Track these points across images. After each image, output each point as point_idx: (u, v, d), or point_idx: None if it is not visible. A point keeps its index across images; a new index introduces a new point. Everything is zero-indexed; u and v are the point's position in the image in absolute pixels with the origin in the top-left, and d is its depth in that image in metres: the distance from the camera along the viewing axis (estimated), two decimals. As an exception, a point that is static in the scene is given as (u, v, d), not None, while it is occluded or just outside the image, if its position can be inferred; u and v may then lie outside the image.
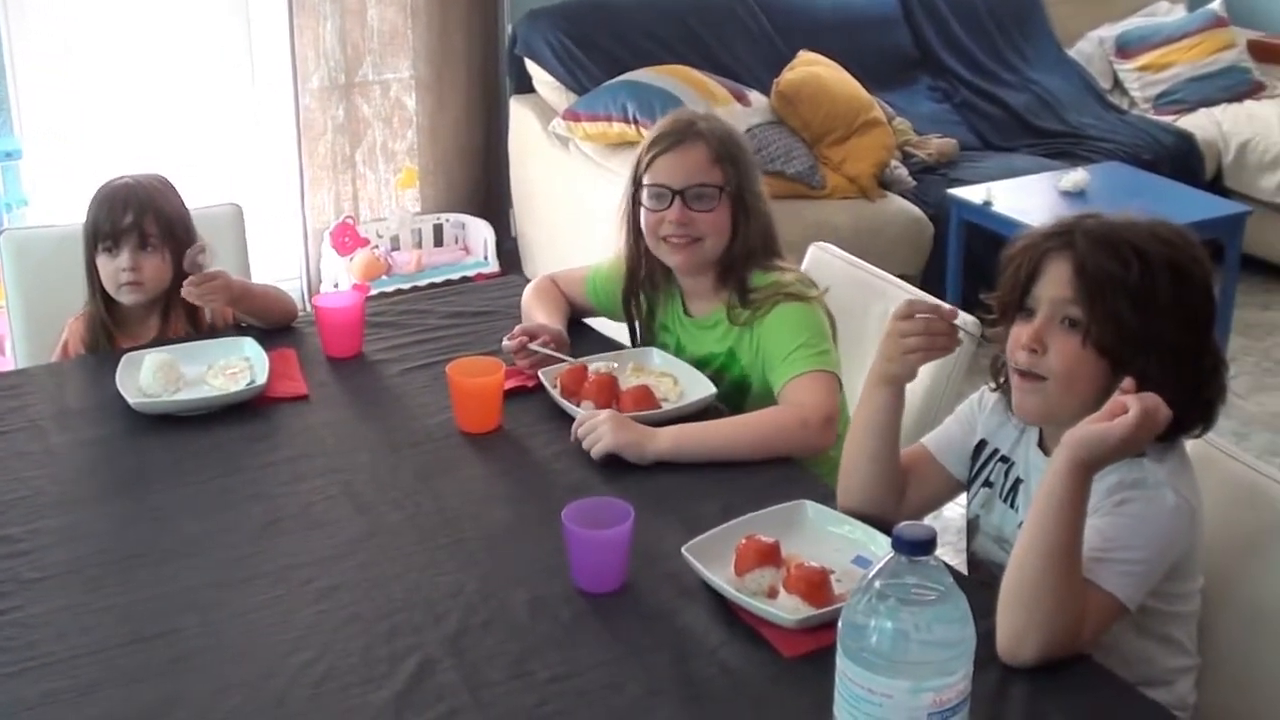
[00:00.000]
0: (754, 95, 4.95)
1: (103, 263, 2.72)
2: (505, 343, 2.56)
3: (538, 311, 2.71)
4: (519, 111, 5.29)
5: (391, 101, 5.25)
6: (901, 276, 2.87)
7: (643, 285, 2.67)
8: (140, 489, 2.23)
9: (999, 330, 1.96)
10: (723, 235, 2.52)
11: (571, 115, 4.92)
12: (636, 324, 2.72)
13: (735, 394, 2.56)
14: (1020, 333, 1.89)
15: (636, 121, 4.69)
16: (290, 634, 1.83)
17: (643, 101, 4.72)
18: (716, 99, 4.76)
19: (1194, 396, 1.85)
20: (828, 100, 4.98)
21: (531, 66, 5.20)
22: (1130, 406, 1.68)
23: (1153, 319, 1.81)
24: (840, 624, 1.41)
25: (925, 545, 1.35)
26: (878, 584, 1.36)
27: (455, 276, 5.19)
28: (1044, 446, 1.99)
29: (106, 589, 1.93)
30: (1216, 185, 5.47)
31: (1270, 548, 1.95)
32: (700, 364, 2.58)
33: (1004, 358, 1.96)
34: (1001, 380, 2.01)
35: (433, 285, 5.15)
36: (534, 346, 2.55)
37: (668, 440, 2.27)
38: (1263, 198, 5.35)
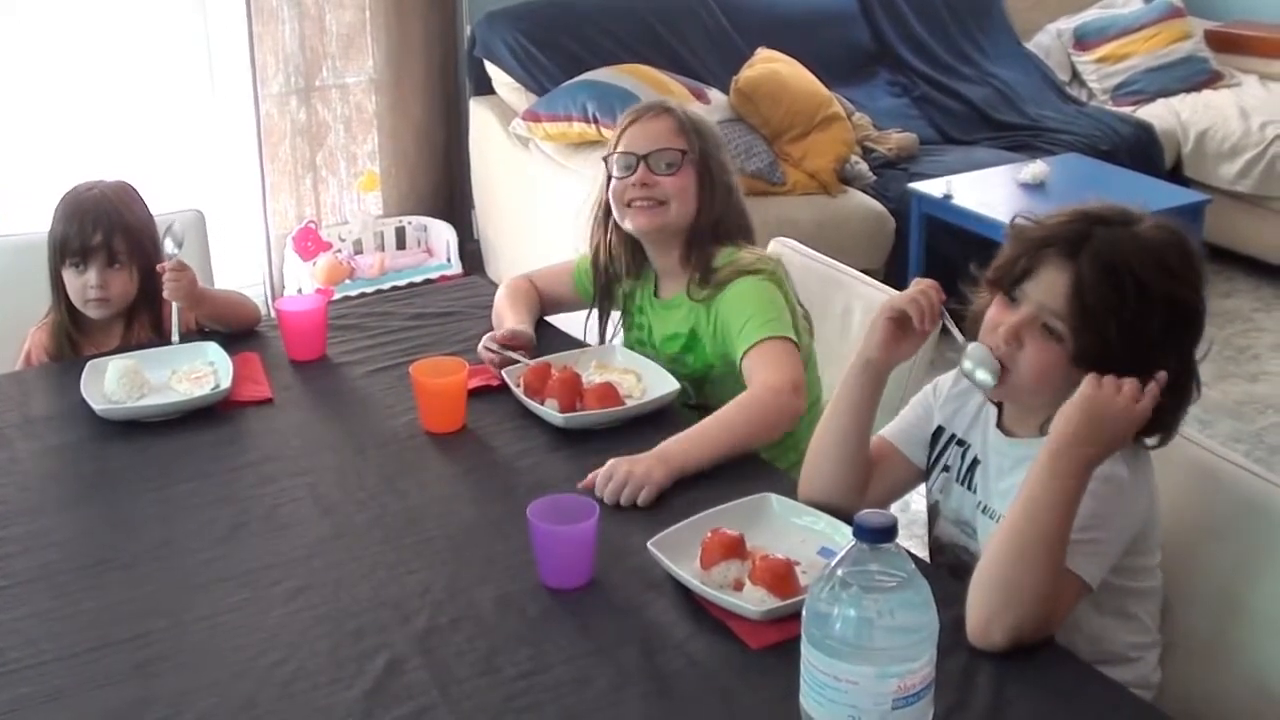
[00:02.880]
0: (713, 93, 4.97)
1: (69, 277, 2.70)
2: (484, 346, 2.56)
3: (509, 313, 2.71)
4: (479, 113, 5.30)
5: (351, 105, 5.24)
6: (864, 271, 2.89)
7: (615, 274, 2.70)
8: (106, 495, 2.24)
9: (983, 296, 1.96)
10: (687, 202, 2.55)
11: (532, 116, 4.92)
12: (612, 312, 2.75)
13: (700, 375, 2.59)
14: (1000, 316, 1.89)
15: (597, 121, 4.70)
16: (259, 635, 1.83)
17: (602, 101, 4.72)
18: (676, 97, 4.75)
19: (1169, 412, 1.86)
20: (787, 97, 5.00)
21: (491, 68, 5.21)
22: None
23: (1140, 349, 1.81)
24: (804, 612, 1.43)
25: (886, 532, 1.36)
26: (840, 572, 1.38)
27: (418, 279, 5.18)
28: (1003, 427, 2.01)
29: (74, 595, 1.93)
30: (1176, 175, 5.52)
31: (1232, 531, 1.98)
32: (666, 345, 2.62)
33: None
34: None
35: (396, 288, 5.14)
36: (495, 347, 2.57)
37: (679, 459, 2.20)
38: (1222, 186, 5.41)
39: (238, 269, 4.88)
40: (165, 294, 2.66)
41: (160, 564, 2.01)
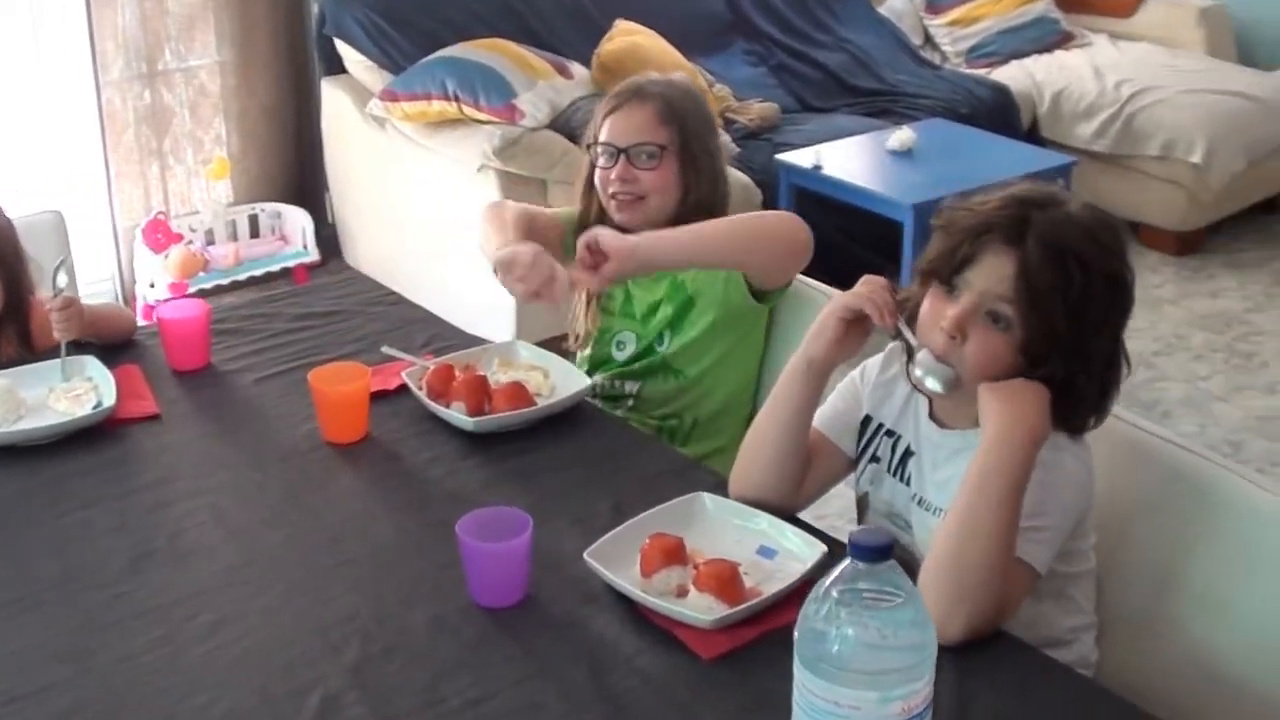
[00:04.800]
0: (575, 68, 4.86)
1: (-75, 293, 2.52)
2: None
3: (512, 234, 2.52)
4: (331, 93, 5.13)
5: (196, 88, 5.05)
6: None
7: None
8: (-11, 530, 2.07)
9: (914, 290, 1.93)
10: (668, 193, 2.55)
11: (389, 95, 4.77)
12: None
13: (682, 314, 2.56)
14: (939, 309, 1.85)
15: (458, 99, 4.57)
16: (180, 677, 1.71)
17: (463, 78, 4.60)
18: (538, 72, 4.67)
19: (1103, 392, 1.87)
20: (650, 70, 4.88)
21: (342, 46, 5.03)
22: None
23: (1084, 330, 1.81)
24: (797, 635, 1.36)
25: (884, 551, 1.30)
26: (835, 593, 1.31)
27: (276, 268, 5.06)
28: (935, 418, 1.97)
29: (-33, 646, 1.78)
30: (1032, 136, 5.57)
31: (1162, 506, 1.98)
32: (651, 308, 2.59)
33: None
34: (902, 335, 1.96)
35: (253, 279, 5.00)
36: (386, 350, 2.49)
37: (646, 252, 2.29)
38: (1078, 146, 5.46)
39: (86, 265, 4.65)
40: (56, 334, 2.46)
41: (60, 604, 1.87)
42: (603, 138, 2.57)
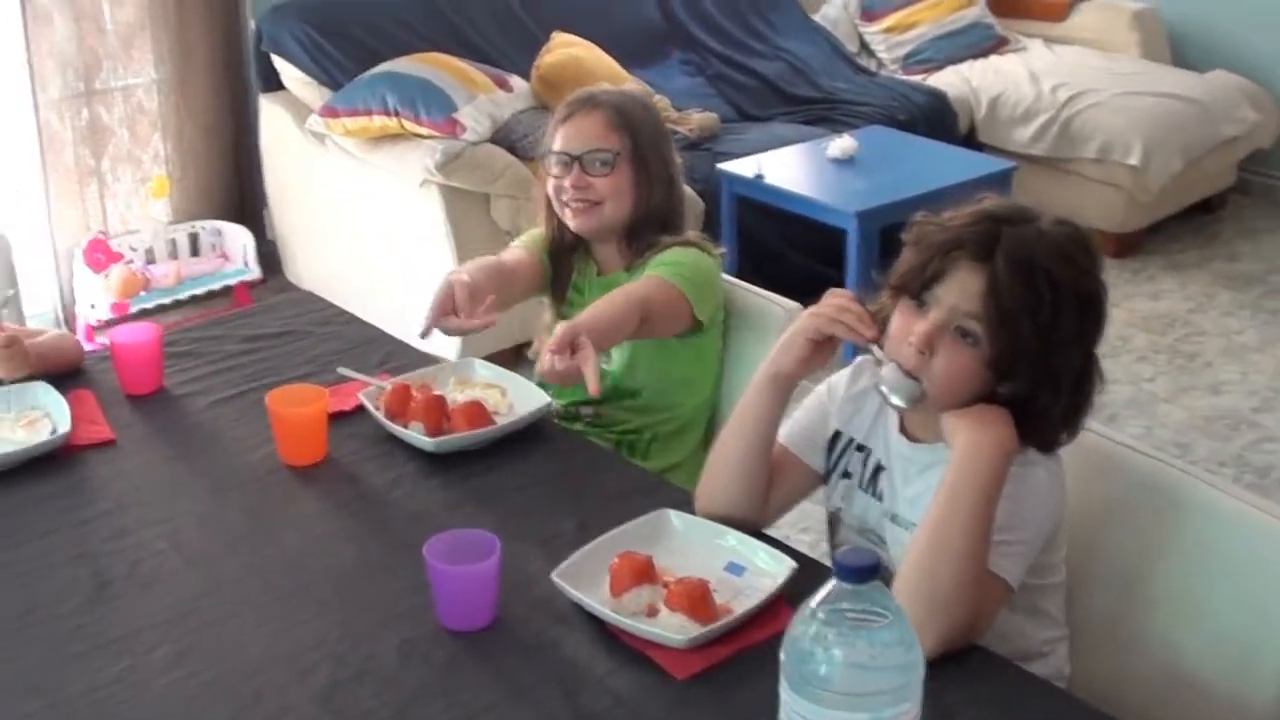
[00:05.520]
0: (515, 81, 4.85)
1: None
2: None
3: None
4: (270, 110, 5.09)
5: (134, 106, 5.00)
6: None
7: (567, 249, 2.67)
8: (-55, 561, 2.04)
9: (885, 303, 1.92)
10: (622, 199, 2.56)
11: (329, 111, 4.74)
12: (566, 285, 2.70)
13: (631, 355, 2.56)
14: (909, 323, 1.84)
15: (398, 114, 4.55)
16: (147, 709, 1.69)
17: (403, 93, 4.57)
18: (478, 86, 4.65)
19: (1074, 409, 1.87)
20: (589, 81, 4.85)
21: (280, 63, 4.99)
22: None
23: (1053, 348, 1.80)
24: (783, 657, 1.36)
25: (869, 571, 1.30)
26: (822, 614, 1.31)
27: (217, 286, 5.01)
28: (906, 432, 1.97)
29: (-68, 682, 1.75)
30: (971, 141, 5.60)
31: (1125, 514, 1.99)
32: None
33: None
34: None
35: (194, 298, 4.95)
36: (343, 371, 2.48)
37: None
38: (1016, 150, 5.49)
39: (26, 286, 4.59)
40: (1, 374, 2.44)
41: (22, 635, 1.84)
42: (556, 147, 2.58)
